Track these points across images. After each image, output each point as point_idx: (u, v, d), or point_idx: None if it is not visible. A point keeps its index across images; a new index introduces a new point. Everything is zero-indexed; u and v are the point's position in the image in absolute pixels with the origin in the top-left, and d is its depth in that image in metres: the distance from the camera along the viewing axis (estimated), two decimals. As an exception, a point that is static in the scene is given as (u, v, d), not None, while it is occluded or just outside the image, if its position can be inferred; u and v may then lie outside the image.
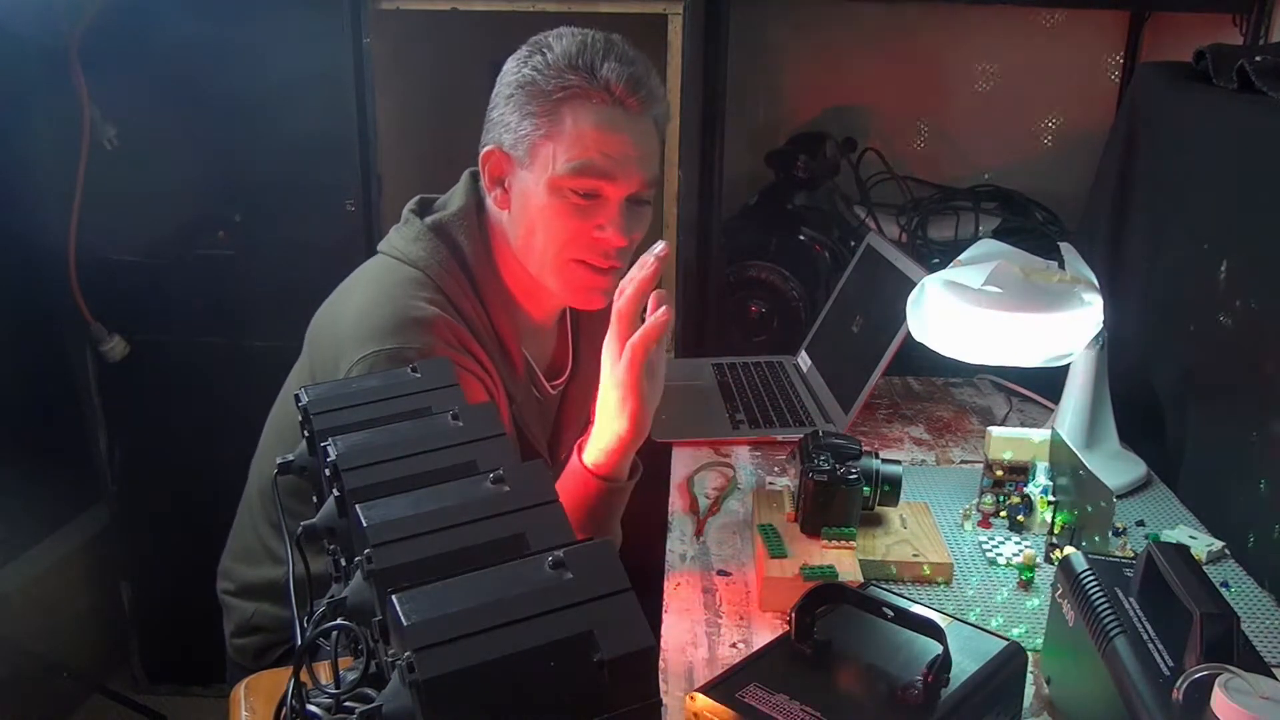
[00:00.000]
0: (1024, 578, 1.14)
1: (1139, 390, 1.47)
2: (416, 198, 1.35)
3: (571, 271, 1.27)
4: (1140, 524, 1.27)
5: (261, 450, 1.39)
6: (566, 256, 1.26)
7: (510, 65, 1.25)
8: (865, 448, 1.20)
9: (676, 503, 1.34)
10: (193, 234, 1.91)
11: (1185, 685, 0.73)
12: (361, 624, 0.66)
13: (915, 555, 1.15)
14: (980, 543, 1.22)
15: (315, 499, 0.83)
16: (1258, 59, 1.32)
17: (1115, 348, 1.34)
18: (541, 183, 1.22)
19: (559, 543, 0.62)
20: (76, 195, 1.87)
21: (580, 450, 1.23)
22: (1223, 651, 0.74)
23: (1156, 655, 0.79)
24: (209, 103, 1.83)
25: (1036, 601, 1.11)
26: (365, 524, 0.65)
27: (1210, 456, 1.32)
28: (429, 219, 1.30)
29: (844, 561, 1.09)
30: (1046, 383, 1.50)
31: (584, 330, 1.46)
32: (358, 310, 1.23)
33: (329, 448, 0.74)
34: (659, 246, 1.14)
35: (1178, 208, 1.44)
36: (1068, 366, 1.34)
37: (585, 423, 1.47)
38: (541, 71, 1.21)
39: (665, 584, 1.15)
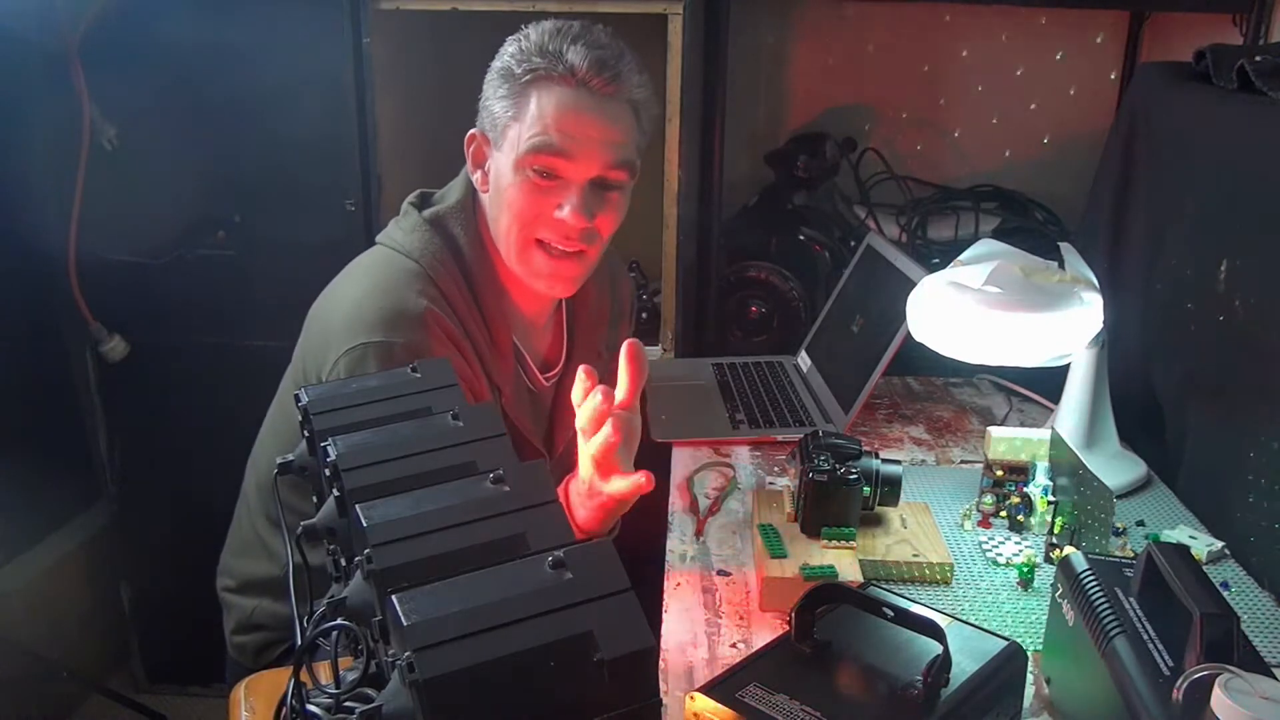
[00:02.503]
0: (1024, 578, 1.14)
1: (1139, 390, 1.47)
2: (417, 191, 1.36)
3: (533, 253, 1.28)
4: (1140, 524, 1.27)
5: (259, 446, 1.40)
6: (528, 236, 1.26)
7: (499, 53, 1.28)
8: (865, 448, 1.20)
9: (676, 503, 1.34)
10: (193, 234, 1.90)
11: (1185, 685, 0.73)
12: (361, 624, 0.66)
13: (915, 555, 1.15)
14: (980, 543, 1.22)
15: (315, 499, 0.83)
16: (1258, 59, 1.32)
17: (1115, 348, 1.34)
18: (509, 164, 1.24)
19: (559, 543, 0.62)
20: (76, 195, 1.87)
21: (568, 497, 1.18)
22: (1223, 651, 0.74)
23: (1156, 655, 0.79)
24: (209, 103, 1.83)
25: (1036, 601, 1.11)
26: (365, 524, 0.65)
27: (1210, 456, 1.32)
28: (427, 211, 1.31)
29: (844, 561, 1.09)
30: (1046, 383, 1.50)
31: (579, 323, 1.46)
32: (351, 301, 1.24)
33: (329, 448, 0.74)
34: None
35: (1177, 207, 1.44)
36: (1068, 366, 1.34)
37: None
38: (515, 57, 1.24)
39: (665, 584, 1.15)
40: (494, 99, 1.25)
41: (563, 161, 1.22)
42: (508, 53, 1.26)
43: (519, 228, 1.26)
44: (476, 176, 1.31)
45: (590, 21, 1.27)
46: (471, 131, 1.30)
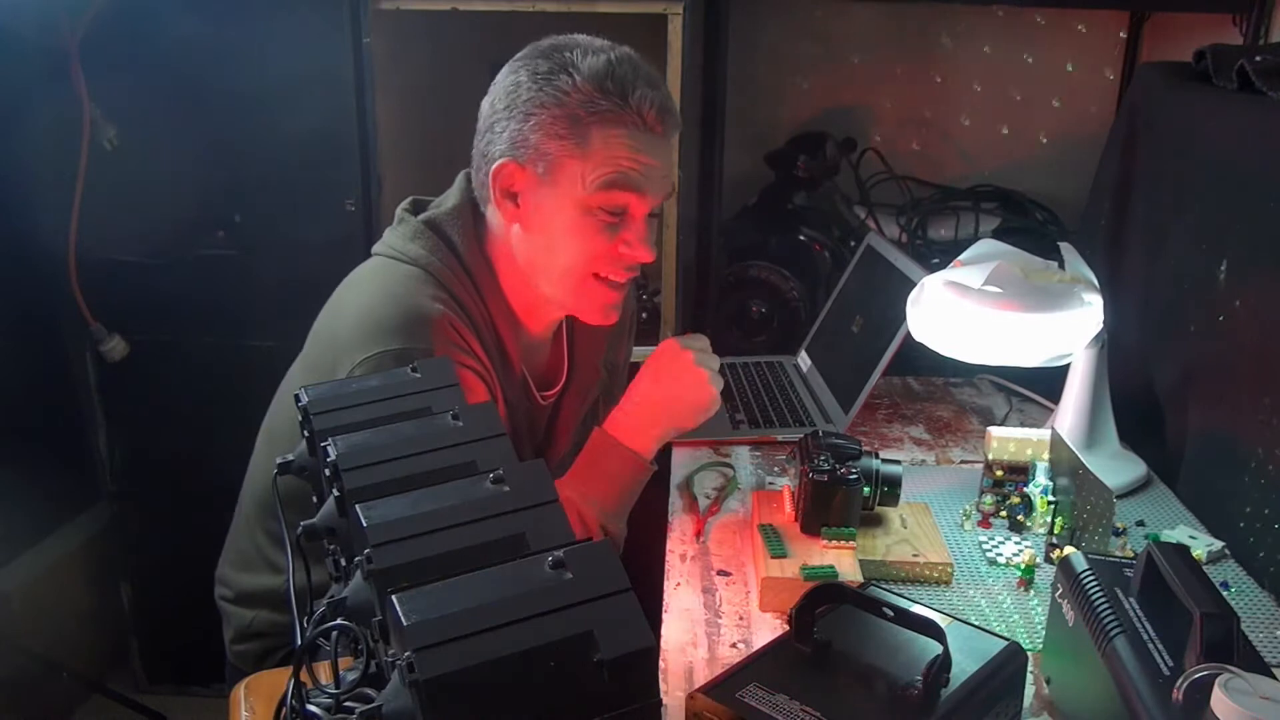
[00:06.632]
0: (1024, 578, 1.14)
1: (1139, 390, 1.47)
2: (409, 199, 1.34)
3: (592, 287, 1.27)
4: (1140, 524, 1.27)
5: (255, 460, 1.38)
6: (589, 272, 1.26)
7: (524, 77, 1.20)
8: (865, 448, 1.20)
9: (676, 503, 1.34)
10: (193, 234, 1.90)
11: (1185, 685, 0.73)
12: (361, 624, 0.66)
13: (915, 555, 1.15)
14: (980, 543, 1.22)
15: (315, 499, 0.83)
16: (1258, 59, 1.32)
17: (1115, 348, 1.34)
18: (568, 201, 1.21)
19: (559, 543, 0.62)
20: (76, 195, 1.87)
21: (622, 440, 1.30)
22: (1223, 651, 0.74)
23: (1156, 655, 0.79)
24: (209, 103, 1.83)
25: (1036, 601, 1.11)
26: (365, 524, 0.65)
27: (1210, 456, 1.31)
28: (423, 216, 1.29)
29: (844, 561, 1.09)
30: (1046, 383, 1.50)
31: (579, 342, 1.45)
32: (360, 309, 1.21)
33: (329, 448, 0.74)
34: None
35: (1178, 207, 1.44)
36: (1068, 366, 1.34)
37: (577, 435, 1.47)
38: (569, 94, 1.18)
39: (665, 584, 1.15)
40: (539, 133, 1.19)
41: (635, 197, 1.22)
42: (554, 85, 1.19)
43: (581, 264, 1.25)
44: (506, 207, 1.25)
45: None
46: (503, 162, 1.22)
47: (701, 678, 0.97)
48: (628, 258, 1.25)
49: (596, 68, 1.19)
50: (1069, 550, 1.02)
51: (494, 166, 1.23)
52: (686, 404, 1.30)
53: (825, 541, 1.12)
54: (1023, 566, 1.14)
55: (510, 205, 1.25)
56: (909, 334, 1.34)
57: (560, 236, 1.23)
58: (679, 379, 1.29)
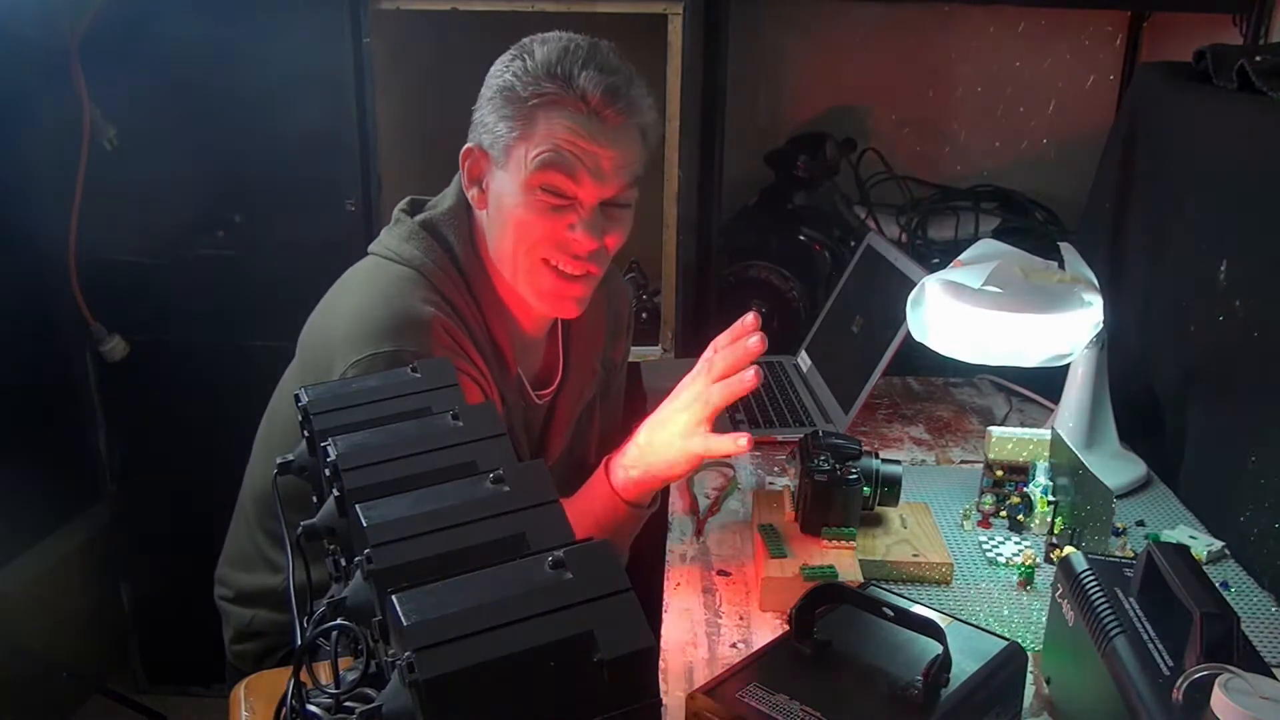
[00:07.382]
0: (1024, 578, 1.14)
1: (1139, 390, 1.47)
2: (407, 199, 1.34)
3: (541, 274, 1.26)
4: (1140, 524, 1.27)
5: (254, 460, 1.38)
6: (537, 257, 1.25)
7: (496, 67, 1.24)
8: (865, 448, 1.20)
9: (676, 503, 1.34)
10: (193, 234, 1.90)
11: (1185, 685, 0.73)
12: (361, 624, 0.66)
13: (915, 555, 1.15)
14: (980, 543, 1.22)
15: (315, 499, 0.83)
16: (1258, 59, 1.32)
17: (1115, 348, 1.34)
18: (516, 184, 1.22)
19: (559, 543, 0.62)
20: (76, 195, 1.87)
21: (609, 469, 1.24)
22: (1223, 651, 0.74)
23: (1156, 655, 0.79)
24: (209, 103, 1.83)
25: (1036, 601, 1.11)
26: (365, 524, 0.65)
27: (1210, 456, 1.32)
28: (419, 217, 1.29)
29: (844, 561, 1.09)
30: (1046, 383, 1.50)
31: (575, 340, 1.44)
32: (353, 311, 1.22)
33: (329, 448, 0.74)
34: (749, 317, 1.12)
35: (1178, 208, 1.44)
36: (1068, 366, 1.34)
37: (573, 434, 1.46)
38: (520, 77, 1.20)
39: (665, 584, 1.15)
40: (495, 117, 1.22)
41: (572, 183, 1.21)
42: (511, 70, 1.21)
43: (526, 248, 1.24)
44: (473, 192, 1.28)
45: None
46: (468, 146, 1.26)
47: (701, 678, 0.97)
48: (573, 244, 1.23)
49: (549, 54, 1.20)
50: (1069, 550, 1.02)
51: (463, 150, 1.26)
52: (657, 450, 1.19)
53: (825, 541, 1.12)
54: (1023, 566, 1.14)
55: (477, 191, 1.27)
56: (909, 334, 1.34)
57: (507, 215, 1.24)
58: (660, 426, 1.19)
